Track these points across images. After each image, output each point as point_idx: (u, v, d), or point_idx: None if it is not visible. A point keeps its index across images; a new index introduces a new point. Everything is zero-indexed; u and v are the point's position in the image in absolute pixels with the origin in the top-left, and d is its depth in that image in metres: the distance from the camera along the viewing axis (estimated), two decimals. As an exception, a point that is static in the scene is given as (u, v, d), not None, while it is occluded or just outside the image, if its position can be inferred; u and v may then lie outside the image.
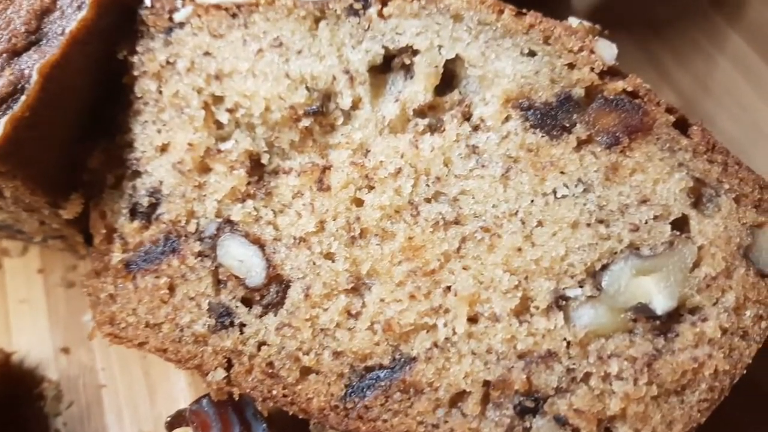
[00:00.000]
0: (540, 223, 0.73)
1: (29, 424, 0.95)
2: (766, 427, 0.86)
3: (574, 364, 0.71)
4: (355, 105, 0.78)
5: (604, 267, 0.72)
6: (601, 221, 0.72)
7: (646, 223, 0.72)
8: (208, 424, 0.78)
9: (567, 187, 0.73)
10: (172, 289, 0.79)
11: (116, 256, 0.81)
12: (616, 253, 0.72)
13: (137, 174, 0.83)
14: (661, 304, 0.70)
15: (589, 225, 0.72)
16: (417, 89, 0.76)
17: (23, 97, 0.75)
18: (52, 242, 1.00)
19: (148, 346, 0.78)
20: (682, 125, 0.72)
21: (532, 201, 0.74)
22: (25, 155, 0.77)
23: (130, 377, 0.97)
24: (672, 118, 0.72)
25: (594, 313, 0.72)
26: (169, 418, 0.82)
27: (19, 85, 0.76)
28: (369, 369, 0.74)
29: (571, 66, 0.73)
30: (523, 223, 0.73)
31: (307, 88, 0.78)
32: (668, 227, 0.71)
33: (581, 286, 0.72)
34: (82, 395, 0.97)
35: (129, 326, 0.79)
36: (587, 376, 0.71)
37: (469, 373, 0.72)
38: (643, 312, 0.70)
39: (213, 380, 0.76)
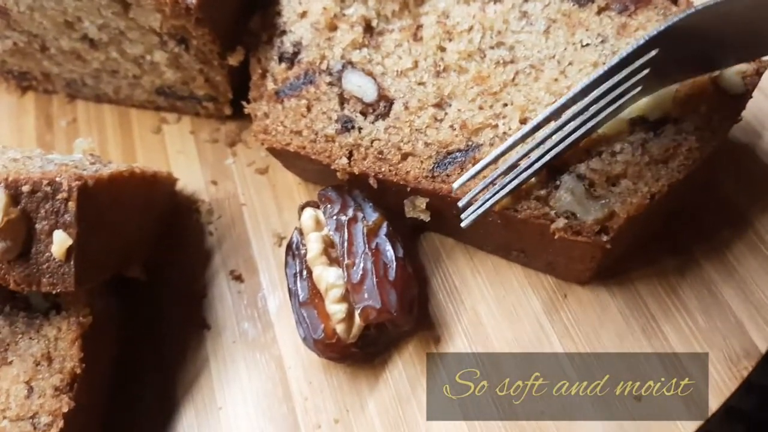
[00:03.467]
0: (570, 63, 1.00)
1: (188, 230, 1.22)
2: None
3: (591, 146, 0.95)
4: (440, -15, 1.09)
5: (615, 92, 0.99)
6: (613, 61, 1.01)
7: (645, 63, 1.00)
8: (332, 200, 1.05)
9: (590, 39, 1.01)
10: (309, 108, 1.07)
11: (270, 87, 1.11)
12: (623, 82, 1.00)
13: (284, 33, 1.13)
14: (653, 116, 0.95)
15: (604, 64, 1.01)
16: (484, -25, 1.07)
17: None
18: (206, 104, 1.30)
19: (291, 146, 1.06)
20: (673, -1, 1.00)
21: (565, 48, 1.01)
22: (211, 11, 1.07)
23: (263, 198, 1.22)
24: (666, -7, 1.00)
25: (606, 119, 0.98)
26: (301, 203, 1.11)
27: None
28: (449, 152, 0.99)
29: (594, -42, 1.02)
30: (559, 62, 1.01)
31: (407, -27, 1.10)
32: (658, 66, 0.99)
33: (598, 103, 0.99)
34: (227, 211, 1.23)
35: (278, 133, 1.07)
36: (600, 153, 0.93)
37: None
38: (641, 121, 0.95)
39: (339, 164, 1.04)
